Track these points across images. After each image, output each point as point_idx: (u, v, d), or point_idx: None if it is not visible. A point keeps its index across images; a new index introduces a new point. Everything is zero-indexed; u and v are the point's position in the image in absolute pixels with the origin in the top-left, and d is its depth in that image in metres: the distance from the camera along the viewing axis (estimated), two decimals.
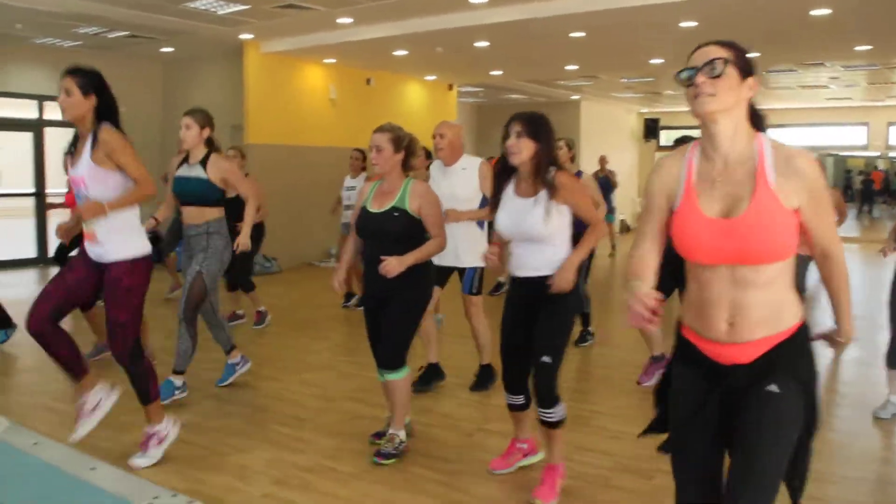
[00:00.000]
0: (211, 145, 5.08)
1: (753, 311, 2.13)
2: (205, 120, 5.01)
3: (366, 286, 4.22)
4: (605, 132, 19.13)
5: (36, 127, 11.79)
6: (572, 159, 7.12)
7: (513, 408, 3.83)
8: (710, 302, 2.17)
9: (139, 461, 3.97)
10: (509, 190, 3.63)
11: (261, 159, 10.89)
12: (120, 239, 3.79)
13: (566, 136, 8.13)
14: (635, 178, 20.32)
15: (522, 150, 3.46)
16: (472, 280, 5.34)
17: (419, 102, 14.70)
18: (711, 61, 2.09)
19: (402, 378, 4.09)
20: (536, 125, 3.48)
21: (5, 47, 11.00)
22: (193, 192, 5.03)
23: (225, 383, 5.46)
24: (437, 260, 4.66)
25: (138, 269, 3.82)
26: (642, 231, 2.35)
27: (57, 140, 11.05)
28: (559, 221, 3.54)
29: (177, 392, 5.04)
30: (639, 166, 20.69)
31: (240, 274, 7.47)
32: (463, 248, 5.21)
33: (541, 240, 3.52)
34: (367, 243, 4.14)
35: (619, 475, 3.99)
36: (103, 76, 3.82)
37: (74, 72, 3.74)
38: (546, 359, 3.54)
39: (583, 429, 4.61)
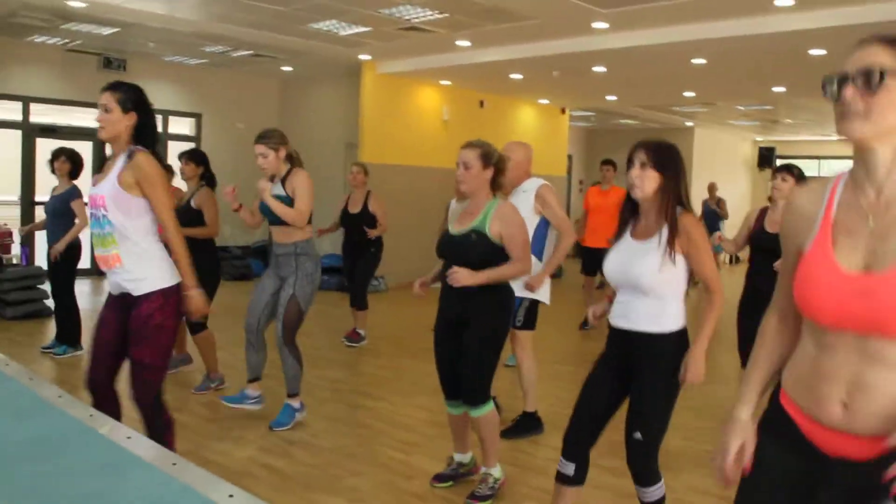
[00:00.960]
0: (291, 161, 5.01)
1: (879, 395, 1.63)
2: (278, 141, 4.91)
3: (442, 310, 3.91)
4: (719, 160, 18.66)
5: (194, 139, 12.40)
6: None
7: (559, 477, 3.18)
8: (825, 374, 1.70)
9: None
10: (627, 231, 3.11)
11: (373, 177, 11.00)
12: (147, 267, 3.42)
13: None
14: (747, 207, 19.64)
15: (646, 182, 2.94)
16: (517, 311, 4.85)
17: (531, 125, 14.65)
18: (867, 72, 1.60)
19: (487, 413, 3.83)
20: (664, 155, 2.98)
21: (137, 63, 11.54)
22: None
23: (283, 428, 4.99)
24: None
25: (170, 304, 3.43)
26: (778, 287, 1.96)
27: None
28: (673, 273, 2.98)
29: (297, 414, 5.03)
30: (752, 196, 20.07)
31: (358, 290, 7.53)
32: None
33: (648, 291, 2.99)
34: (445, 265, 3.84)
35: None
36: (145, 93, 3.50)
37: (115, 87, 3.42)
38: (637, 436, 3.03)
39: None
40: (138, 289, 3.39)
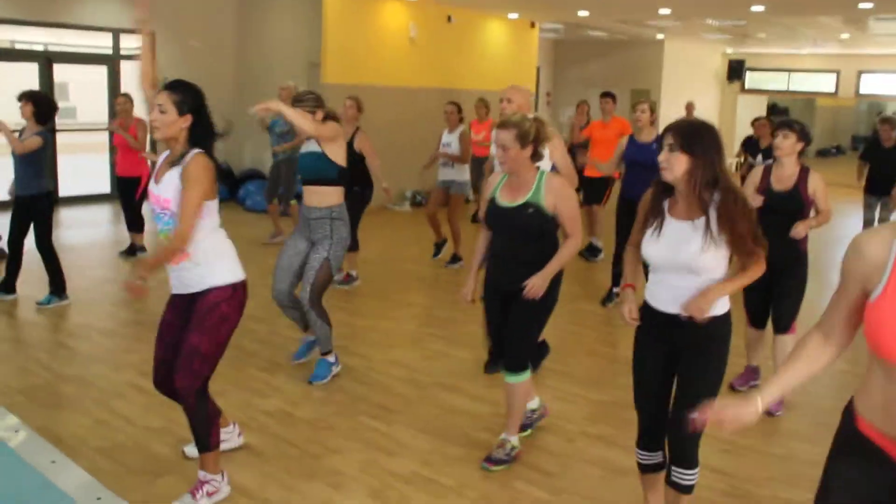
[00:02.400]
0: (328, 118, 4.99)
1: None
2: (315, 104, 4.91)
3: (492, 279, 3.99)
4: (688, 73, 18.36)
5: (111, 60, 11.63)
6: (653, 123, 6.74)
7: (645, 469, 3.28)
8: None
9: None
10: (664, 209, 3.05)
11: (337, 99, 10.53)
12: (215, 261, 3.40)
13: (649, 99, 7.72)
14: (716, 121, 19.47)
15: (674, 165, 2.91)
16: None
17: (500, 41, 14.11)
18: None
19: (523, 381, 3.91)
20: (692, 136, 2.91)
21: None
22: (309, 168, 4.98)
23: (321, 381, 5.00)
24: None
25: (237, 297, 3.43)
26: (831, 302, 2.09)
27: (132, 73, 10.91)
28: (717, 252, 2.94)
29: (333, 367, 5.04)
30: (720, 109, 19.85)
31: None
32: None
33: (699, 272, 2.94)
34: (496, 236, 3.93)
35: None
36: (203, 95, 3.40)
37: (173, 87, 3.34)
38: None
39: None
40: (206, 283, 3.37)
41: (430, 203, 8.53)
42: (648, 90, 17.44)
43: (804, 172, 4.68)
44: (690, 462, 3.10)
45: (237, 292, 3.43)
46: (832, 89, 19.25)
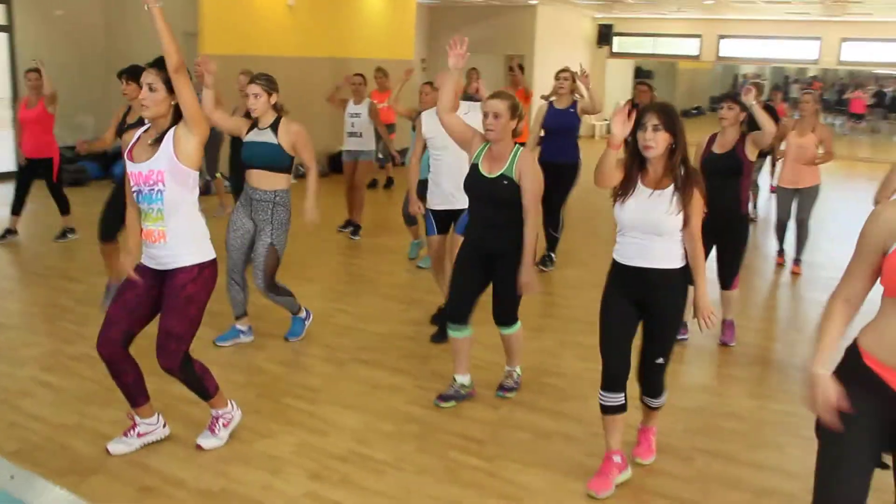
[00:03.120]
0: (279, 110, 5.04)
1: None
2: (271, 86, 4.95)
3: (472, 242, 4.32)
4: (560, 37, 18.68)
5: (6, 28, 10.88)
6: (571, 91, 6.92)
7: (610, 410, 3.60)
8: None
9: (209, 441, 3.82)
10: (637, 179, 3.46)
11: (220, 72, 10.18)
12: (189, 242, 3.51)
13: (517, 55, 7.84)
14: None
15: (659, 143, 3.33)
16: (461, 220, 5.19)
17: (378, 8, 13.95)
18: None
19: (517, 330, 4.47)
20: (672, 117, 3.36)
21: None
22: (263, 157, 5.01)
23: (297, 338, 5.38)
24: (436, 205, 5.30)
25: (203, 276, 3.53)
26: (850, 271, 2.41)
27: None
28: (679, 218, 3.41)
29: (307, 322, 5.39)
30: (591, 73, 20.35)
31: None
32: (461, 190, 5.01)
33: (664, 233, 3.42)
34: (473, 202, 4.30)
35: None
36: (189, 70, 3.44)
37: (162, 65, 3.34)
38: (660, 360, 3.61)
39: None
40: (176, 262, 3.49)
41: (346, 177, 8.63)
42: (523, 55, 17.70)
43: (743, 137, 5.25)
44: (660, 392, 3.72)
45: (204, 272, 3.53)
46: (695, 52, 20.09)
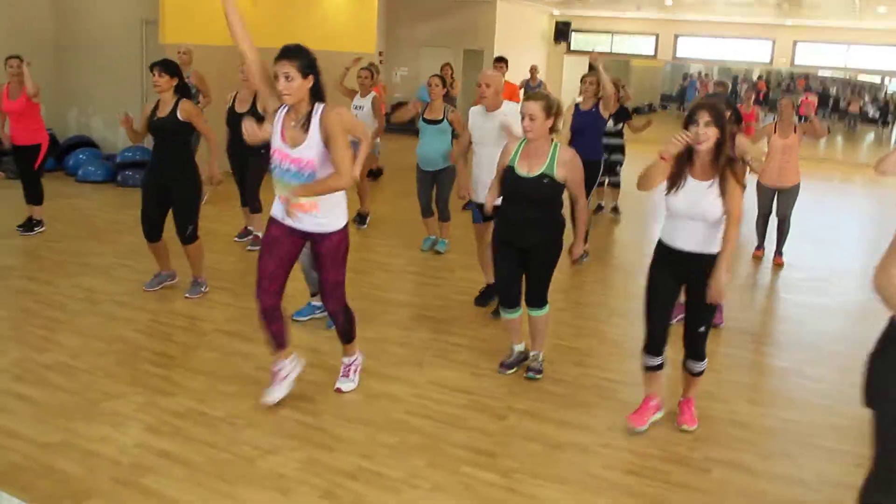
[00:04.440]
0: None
1: None
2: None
3: (506, 237, 4.58)
4: (519, 34, 18.63)
5: None
6: (595, 94, 7.14)
7: (651, 368, 4.18)
8: None
9: (347, 384, 4.44)
10: (687, 172, 3.85)
11: (199, 62, 9.83)
12: (339, 211, 4.02)
13: (476, 49, 7.86)
14: (545, 81, 19.97)
15: (711, 137, 3.72)
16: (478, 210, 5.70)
17: (341, 1, 13.65)
18: None
19: (546, 313, 4.73)
20: (722, 114, 3.74)
21: None
22: None
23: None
24: (479, 197, 5.60)
25: (346, 233, 4.09)
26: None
27: None
28: (721, 204, 3.80)
29: (317, 312, 5.53)
30: (547, 70, 20.35)
31: (250, 192, 7.46)
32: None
33: (712, 221, 3.81)
34: (510, 202, 4.51)
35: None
36: (313, 53, 3.82)
37: (293, 54, 3.72)
38: (703, 329, 4.05)
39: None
40: (329, 227, 4.01)
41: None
42: (482, 51, 17.59)
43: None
44: (702, 356, 4.13)
45: (346, 230, 4.10)
46: (651, 52, 20.24)
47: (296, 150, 3.83)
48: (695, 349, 4.12)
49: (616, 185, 9.90)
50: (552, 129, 4.39)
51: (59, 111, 11.38)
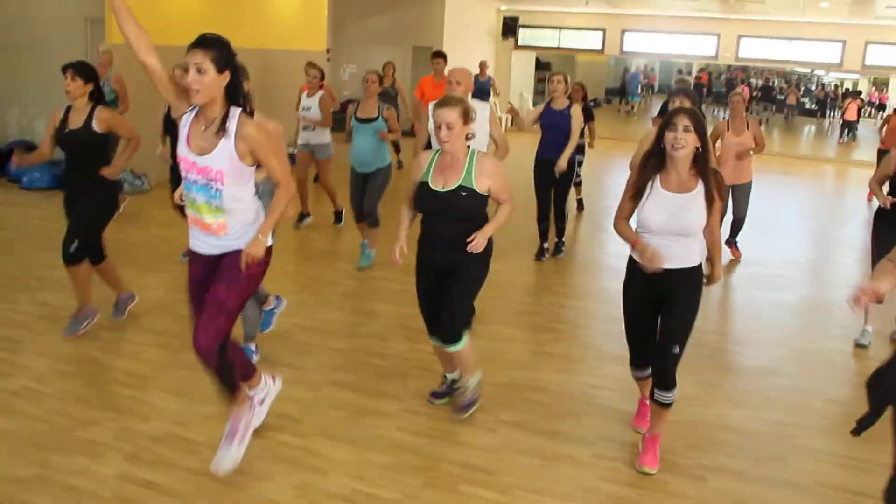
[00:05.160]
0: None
1: None
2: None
3: (426, 258, 4.10)
4: (467, 30, 18.53)
5: None
6: (566, 92, 7.33)
7: (641, 378, 4.09)
8: None
9: (233, 454, 3.57)
10: (656, 183, 3.59)
11: (126, 62, 9.49)
12: (252, 228, 3.39)
13: (563, 71, 7.85)
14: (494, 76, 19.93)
15: (689, 144, 3.47)
16: None
17: None
18: None
19: (465, 346, 4.11)
20: (701, 121, 3.51)
21: None
22: None
23: (267, 330, 5.15)
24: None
25: (265, 260, 3.43)
26: None
27: None
28: (704, 218, 3.59)
29: (254, 356, 4.87)
30: (495, 65, 20.31)
31: None
32: None
33: (692, 234, 3.60)
34: (428, 218, 4.04)
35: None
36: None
37: (208, 44, 3.13)
38: (676, 350, 3.68)
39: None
40: (236, 246, 3.36)
41: (298, 168, 8.28)
42: (431, 46, 17.46)
43: None
44: (670, 385, 3.70)
45: (267, 252, 3.42)
46: (599, 46, 20.35)
47: (203, 159, 3.22)
48: (664, 374, 3.69)
49: (578, 184, 9.95)
50: (467, 137, 3.95)
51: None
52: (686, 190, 3.55)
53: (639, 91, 29.85)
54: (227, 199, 3.25)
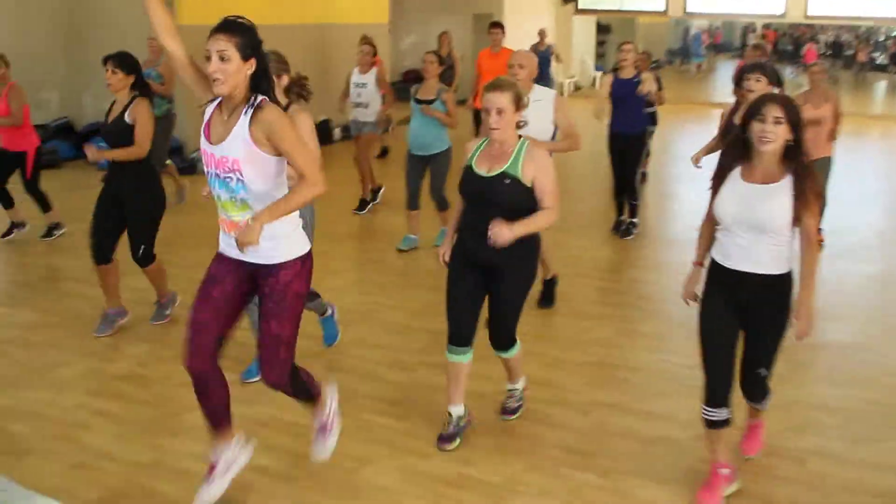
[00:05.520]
0: (296, 87, 4.35)
1: None
2: (280, 66, 4.21)
3: (465, 251, 3.71)
4: None
5: None
6: (634, 61, 7.24)
7: (714, 425, 3.34)
8: None
9: (328, 444, 3.50)
10: (735, 173, 3.22)
11: (199, 44, 9.61)
12: (289, 232, 3.04)
13: (631, 40, 7.71)
14: (555, 42, 19.66)
15: (779, 137, 3.07)
16: None
17: None
18: None
19: (516, 353, 3.91)
20: (796, 111, 3.10)
21: None
22: None
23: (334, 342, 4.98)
24: None
25: (307, 269, 3.12)
26: None
27: None
28: (789, 214, 3.12)
29: (335, 318, 4.95)
30: (556, 32, 20.02)
31: None
32: None
33: (775, 232, 3.14)
34: (469, 207, 3.69)
35: None
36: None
37: (233, 28, 2.82)
38: (763, 372, 3.38)
39: None
40: (275, 256, 3.01)
41: (356, 148, 8.33)
42: (491, 14, 17.27)
43: None
44: (764, 397, 3.54)
45: (306, 265, 3.11)
46: (662, 8, 19.89)
47: (219, 148, 2.91)
48: (756, 395, 3.49)
49: (646, 155, 9.76)
50: (519, 125, 3.62)
51: (74, 97, 11.20)
52: (769, 181, 3.14)
53: (702, 51, 29.14)
54: (252, 193, 2.92)
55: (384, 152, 11.32)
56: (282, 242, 3.01)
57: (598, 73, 21.58)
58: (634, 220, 7.49)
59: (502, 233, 3.37)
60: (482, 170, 3.60)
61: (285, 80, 4.18)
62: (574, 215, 7.75)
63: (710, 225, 3.39)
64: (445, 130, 6.78)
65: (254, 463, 3.62)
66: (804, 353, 5.03)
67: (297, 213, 3.05)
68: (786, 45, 29.17)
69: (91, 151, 4.89)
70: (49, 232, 7.24)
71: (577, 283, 6.07)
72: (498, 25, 9.37)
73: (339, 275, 6.38)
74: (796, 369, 4.77)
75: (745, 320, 3.29)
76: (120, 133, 4.81)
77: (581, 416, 4.17)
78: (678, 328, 5.45)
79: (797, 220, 3.13)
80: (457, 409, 3.85)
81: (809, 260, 3.21)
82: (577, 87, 20.91)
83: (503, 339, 3.83)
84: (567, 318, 5.48)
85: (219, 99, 2.96)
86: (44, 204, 7.21)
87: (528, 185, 3.55)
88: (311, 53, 11.16)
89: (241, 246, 2.78)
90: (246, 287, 3.10)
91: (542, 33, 14.09)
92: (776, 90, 4.71)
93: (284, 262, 3.02)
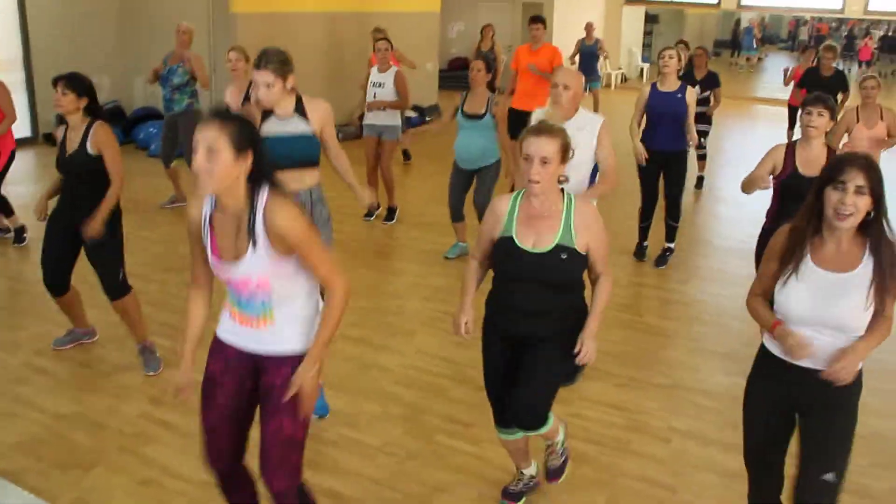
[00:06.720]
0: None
1: None
2: (285, 68, 3.84)
3: (499, 329, 3.17)
4: None
5: None
6: (679, 71, 6.63)
7: None
8: None
9: None
10: (805, 255, 2.63)
11: (250, 32, 9.53)
12: (299, 325, 2.67)
13: (679, 44, 7.13)
14: (602, 35, 19.32)
15: (860, 210, 2.52)
16: None
17: None
18: None
19: (549, 428, 3.23)
20: (879, 175, 2.54)
21: None
22: (300, 152, 3.96)
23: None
24: None
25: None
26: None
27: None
28: (871, 309, 2.58)
29: None
30: (605, 24, 19.68)
31: None
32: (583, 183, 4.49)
33: (851, 330, 2.61)
34: (511, 283, 3.07)
35: None
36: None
37: (224, 118, 2.43)
38: (829, 477, 2.68)
39: None
40: (279, 350, 2.64)
41: (367, 154, 7.53)
42: (541, 3, 16.98)
43: (831, 153, 4.39)
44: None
45: None
46: (714, 0, 19.51)
47: (234, 268, 2.55)
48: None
49: (702, 158, 9.47)
50: (559, 180, 3.01)
51: (125, 81, 11.17)
52: (846, 267, 2.59)
53: (754, 45, 28.54)
54: (277, 297, 2.61)
55: (406, 156, 10.38)
56: (286, 336, 2.65)
57: (646, 65, 21.22)
58: (671, 245, 6.79)
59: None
60: (527, 243, 2.98)
61: (291, 80, 3.91)
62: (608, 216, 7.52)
63: (761, 299, 2.82)
64: (495, 144, 6.31)
65: (326, 486, 3.53)
66: (890, 381, 4.82)
67: (307, 302, 2.70)
68: (838, 39, 28.43)
69: (88, 230, 4.27)
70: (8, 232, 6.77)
71: (643, 294, 5.89)
72: (538, 20, 8.40)
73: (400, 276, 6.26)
74: (887, 399, 4.54)
75: (806, 420, 2.79)
76: (83, 165, 4.28)
77: (660, 445, 4.02)
78: (752, 348, 5.26)
79: (879, 307, 2.61)
80: (528, 469, 3.51)
81: (877, 336, 2.65)
82: (625, 79, 20.56)
83: (536, 416, 3.12)
84: (637, 332, 5.32)
85: (211, 201, 2.58)
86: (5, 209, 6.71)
87: (584, 253, 3.01)
88: (361, 42, 10.99)
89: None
90: (250, 383, 2.72)
91: (588, 27, 13.76)
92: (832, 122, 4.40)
93: (290, 356, 2.64)
